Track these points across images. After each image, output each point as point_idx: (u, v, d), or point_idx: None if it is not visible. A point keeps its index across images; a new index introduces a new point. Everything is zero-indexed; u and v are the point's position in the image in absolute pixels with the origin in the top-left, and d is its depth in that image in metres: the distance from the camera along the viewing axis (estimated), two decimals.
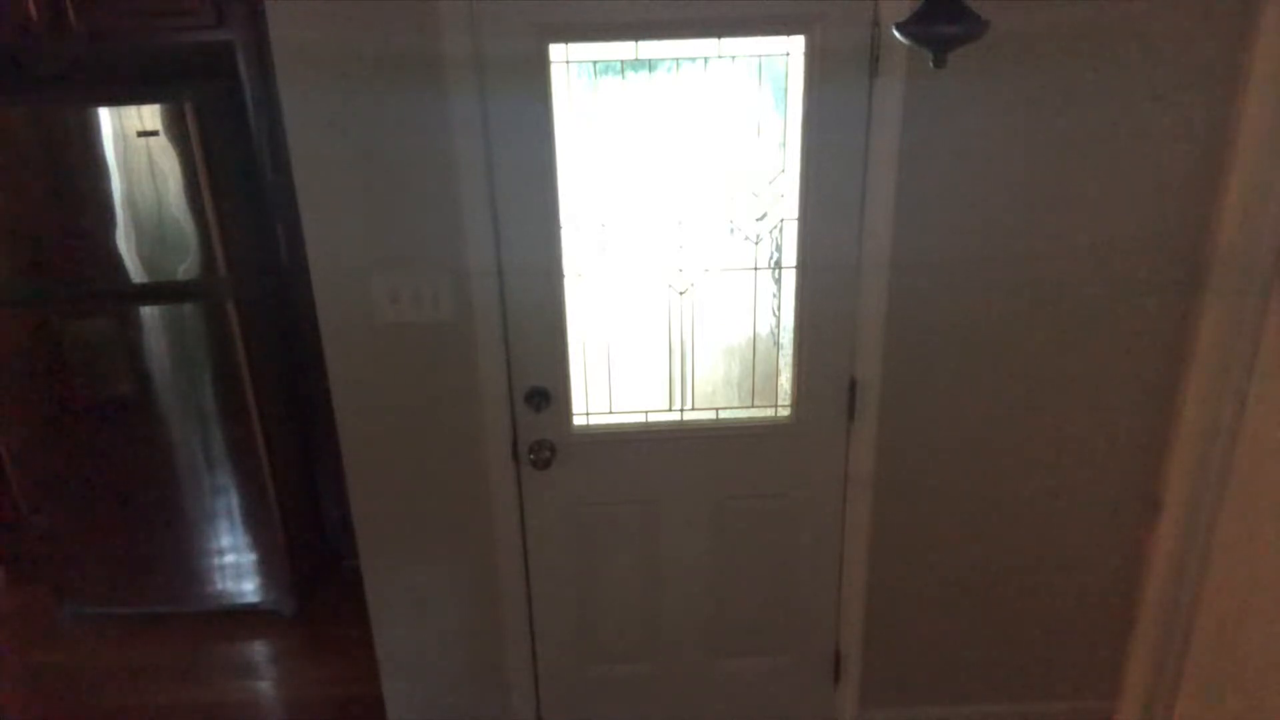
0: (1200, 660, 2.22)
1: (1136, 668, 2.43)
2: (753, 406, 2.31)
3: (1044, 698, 2.57)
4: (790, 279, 2.19)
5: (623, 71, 2.02)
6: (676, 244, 2.16)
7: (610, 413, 2.30)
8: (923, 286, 2.13)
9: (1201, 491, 2.16)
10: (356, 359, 2.16)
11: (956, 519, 2.36)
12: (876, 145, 2.02)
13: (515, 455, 2.27)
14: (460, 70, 1.93)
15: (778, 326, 2.25)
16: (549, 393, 2.23)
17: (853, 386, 2.25)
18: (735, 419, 2.32)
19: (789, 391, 2.29)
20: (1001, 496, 2.34)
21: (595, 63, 2.01)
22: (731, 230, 2.15)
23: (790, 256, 2.17)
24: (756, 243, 2.17)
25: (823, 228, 2.11)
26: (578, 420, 2.28)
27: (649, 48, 1.99)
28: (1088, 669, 2.53)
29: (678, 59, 2.01)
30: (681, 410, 2.31)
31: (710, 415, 2.32)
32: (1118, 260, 2.11)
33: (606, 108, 2.04)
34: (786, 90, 2.04)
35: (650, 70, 2.02)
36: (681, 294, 2.21)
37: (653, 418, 2.31)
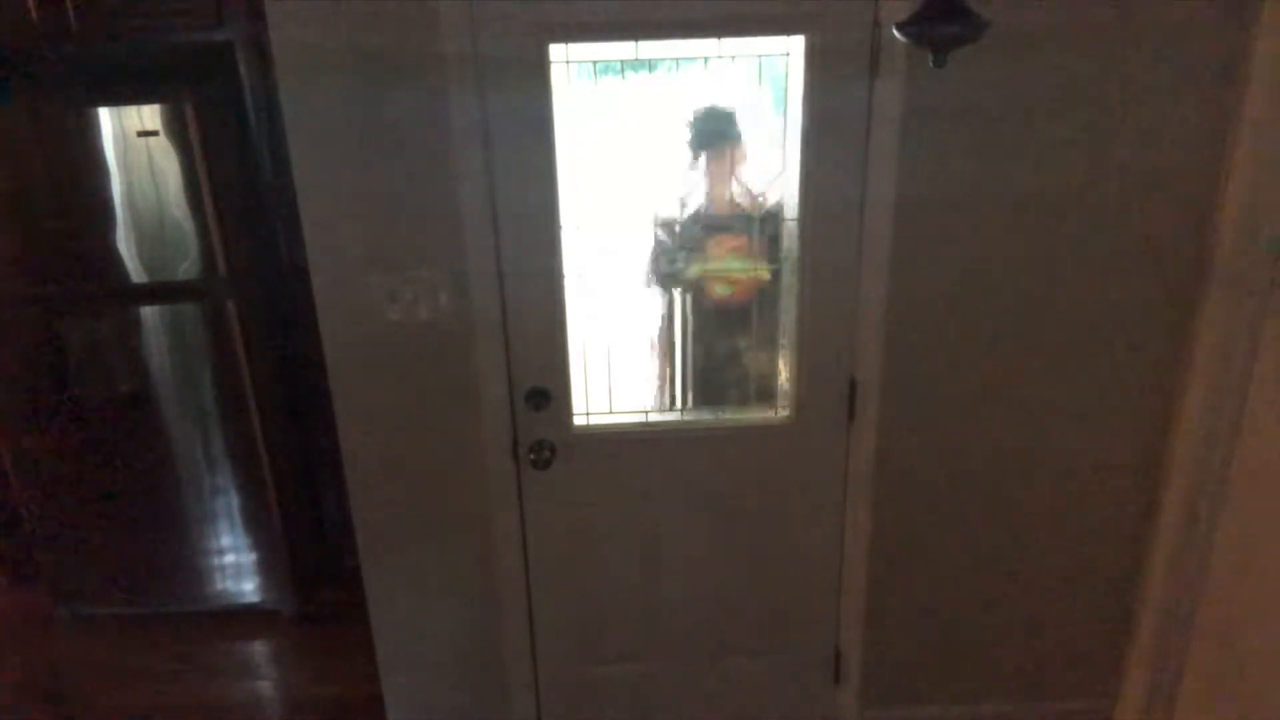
0: (1200, 660, 2.22)
1: (1136, 668, 2.43)
2: (753, 406, 2.31)
3: (1044, 698, 2.57)
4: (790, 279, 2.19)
5: (623, 71, 2.02)
6: (676, 243, 2.16)
7: (610, 413, 2.30)
8: (923, 287, 2.13)
9: (1202, 492, 2.16)
10: (356, 359, 2.16)
11: (956, 519, 2.36)
12: (876, 145, 2.02)
13: (515, 455, 2.27)
14: (460, 70, 1.93)
15: (777, 326, 2.25)
16: (549, 393, 2.23)
17: (853, 386, 2.25)
18: (735, 419, 2.32)
19: (789, 392, 2.29)
20: (1001, 496, 2.34)
21: (595, 63, 2.01)
22: (732, 230, 2.15)
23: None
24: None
25: (823, 228, 2.11)
26: (578, 420, 2.28)
27: (649, 48, 1.99)
28: (1088, 669, 2.53)
29: (678, 59, 2.01)
30: (681, 410, 2.31)
31: (710, 415, 2.32)
32: (1118, 259, 2.11)
33: (606, 107, 2.04)
34: (786, 90, 2.04)
35: (650, 70, 2.02)
36: (682, 294, 2.21)
37: (653, 418, 2.31)
